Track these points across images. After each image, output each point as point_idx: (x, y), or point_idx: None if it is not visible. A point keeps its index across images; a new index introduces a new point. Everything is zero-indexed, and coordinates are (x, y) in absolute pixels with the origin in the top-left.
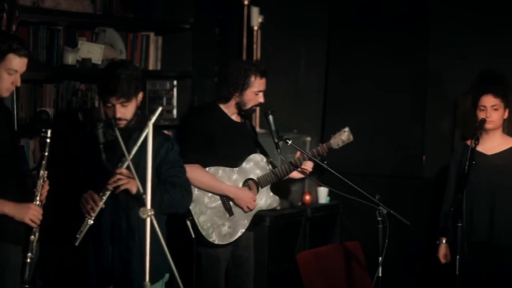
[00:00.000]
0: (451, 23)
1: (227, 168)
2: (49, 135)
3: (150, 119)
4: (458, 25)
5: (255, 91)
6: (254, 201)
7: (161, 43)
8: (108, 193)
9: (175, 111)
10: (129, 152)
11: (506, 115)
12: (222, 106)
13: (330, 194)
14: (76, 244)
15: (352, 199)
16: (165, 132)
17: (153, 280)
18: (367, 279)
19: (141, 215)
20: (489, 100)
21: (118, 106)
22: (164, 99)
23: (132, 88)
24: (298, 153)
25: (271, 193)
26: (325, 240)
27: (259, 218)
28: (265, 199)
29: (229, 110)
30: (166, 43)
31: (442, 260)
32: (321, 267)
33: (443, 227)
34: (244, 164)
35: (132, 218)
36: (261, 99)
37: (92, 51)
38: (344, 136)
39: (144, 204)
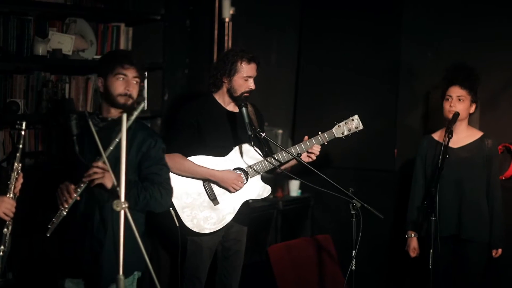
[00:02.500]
0: (424, 14)
1: (214, 157)
2: (23, 127)
3: (133, 114)
4: (430, 17)
5: (243, 77)
6: (241, 181)
7: (132, 34)
8: (83, 185)
9: (145, 103)
10: (109, 146)
11: (472, 109)
12: (216, 96)
13: (301, 187)
14: (48, 235)
15: (324, 192)
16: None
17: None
18: (338, 272)
19: (115, 207)
20: (455, 91)
21: (130, 80)
22: None
23: (144, 71)
24: (306, 137)
25: (262, 183)
26: (296, 233)
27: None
28: (255, 189)
29: (223, 99)
30: (137, 34)
31: (412, 254)
32: (292, 260)
33: (412, 220)
34: (232, 153)
35: (105, 212)
36: (251, 85)
37: (63, 42)
38: (351, 124)
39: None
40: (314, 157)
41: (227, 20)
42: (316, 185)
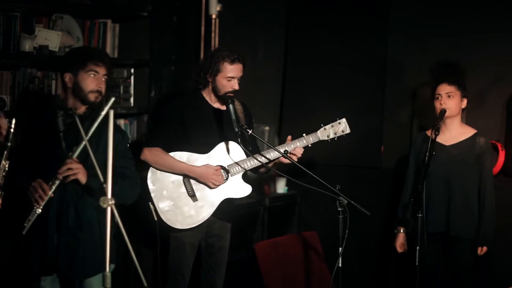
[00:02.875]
0: (411, 12)
1: (195, 154)
2: (13, 125)
3: (103, 109)
4: (417, 15)
5: (226, 77)
6: (220, 177)
7: (118, 30)
8: (57, 182)
9: (132, 100)
10: (80, 142)
11: (464, 104)
12: (203, 93)
13: (288, 184)
14: (24, 233)
15: (310, 189)
16: (123, 121)
17: (98, 270)
18: (324, 269)
19: (101, 204)
20: (443, 88)
21: (101, 77)
22: (121, 87)
23: (112, 69)
24: (289, 137)
25: (243, 182)
26: (283, 230)
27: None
28: (235, 187)
29: (210, 97)
30: (124, 30)
31: (399, 250)
32: (279, 257)
33: (402, 217)
34: (214, 151)
35: (80, 207)
36: (235, 85)
37: (49, 38)
38: (338, 127)
39: (92, 194)
40: (295, 159)
41: (214, 17)
42: (303, 182)
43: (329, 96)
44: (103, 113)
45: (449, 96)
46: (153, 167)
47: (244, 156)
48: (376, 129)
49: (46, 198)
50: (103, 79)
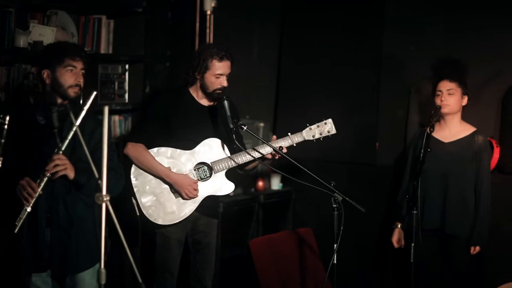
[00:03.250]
0: (405, 8)
1: (178, 150)
2: (6, 121)
3: (85, 104)
4: (412, 11)
5: (214, 74)
6: (195, 189)
7: (113, 26)
8: (45, 179)
9: (126, 96)
10: (65, 137)
11: (464, 102)
12: (190, 90)
13: (282, 180)
14: (15, 232)
15: (305, 186)
16: (118, 117)
17: (89, 264)
18: (319, 266)
19: (96, 201)
20: (444, 85)
21: (79, 72)
22: (116, 83)
23: (89, 63)
24: (274, 137)
25: (226, 179)
26: (278, 226)
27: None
28: (218, 185)
29: (197, 94)
30: (118, 26)
31: (395, 245)
32: (273, 254)
33: (399, 213)
34: (198, 147)
35: (69, 203)
36: (224, 82)
37: (44, 34)
38: (324, 128)
39: (79, 189)
40: (276, 157)
41: (208, 13)
42: (298, 179)
43: (324, 93)
44: (86, 107)
45: (449, 93)
46: (133, 163)
47: (228, 154)
48: (371, 126)
49: (35, 196)
50: (81, 73)
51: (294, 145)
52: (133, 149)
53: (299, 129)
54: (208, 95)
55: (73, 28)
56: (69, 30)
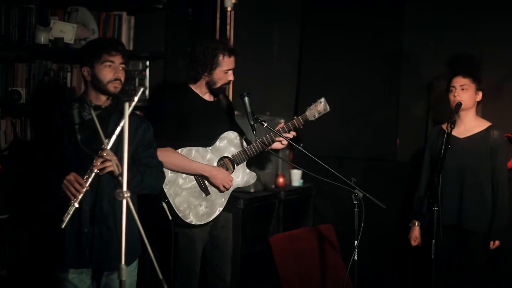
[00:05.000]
0: (425, 5)
1: (200, 148)
2: None
3: (133, 100)
4: (432, 8)
5: (224, 70)
6: (231, 180)
7: (134, 23)
8: (93, 175)
9: (147, 92)
10: (111, 134)
11: (479, 97)
12: (192, 87)
13: (303, 176)
14: (62, 227)
15: (326, 182)
16: (139, 113)
17: (129, 261)
18: (340, 262)
19: (117, 197)
20: (458, 81)
21: (118, 66)
22: (137, 80)
23: (128, 56)
24: (282, 124)
25: (248, 170)
26: (298, 223)
27: (233, 200)
28: (242, 176)
29: (201, 90)
30: (139, 23)
31: (413, 243)
32: (294, 250)
33: (417, 210)
34: (217, 143)
35: (113, 199)
36: (230, 77)
37: (65, 31)
38: (320, 107)
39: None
40: (285, 143)
41: (229, 9)
42: (318, 175)
43: (344, 90)
44: (133, 103)
45: (463, 89)
46: (166, 167)
47: (245, 145)
48: (392, 122)
49: (83, 192)
50: (120, 67)
51: (301, 126)
52: (163, 155)
53: (319, 126)
54: (212, 90)
55: (94, 25)
56: (89, 26)
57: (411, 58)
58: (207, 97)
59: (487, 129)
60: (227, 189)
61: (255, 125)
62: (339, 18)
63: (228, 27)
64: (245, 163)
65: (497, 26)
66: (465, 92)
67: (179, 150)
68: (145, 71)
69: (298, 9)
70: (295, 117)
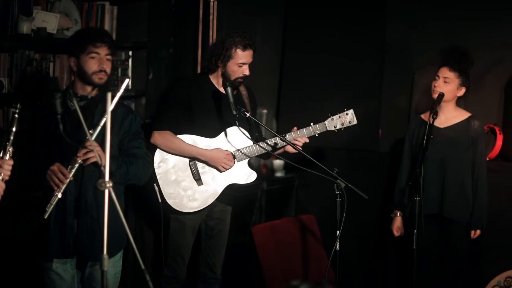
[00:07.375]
0: None
1: (202, 138)
2: (17, 110)
3: (118, 91)
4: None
5: (238, 63)
6: (230, 160)
7: (117, 13)
8: (76, 165)
9: (130, 82)
10: (97, 124)
11: (461, 93)
12: (210, 77)
13: (285, 167)
14: (45, 217)
15: (308, 172)
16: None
17: (113, 252)
18: (322, 252)
19: (99, 187)
20: (443, 72)
21: (103, 58)
22: (119, 70)
23: (115, 47)
24: (295, 128)
25: (249, 168)
26: (281, 213)
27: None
28: (241, 173)
29: (217, 81)
30: (122, 13)
31: (395, 233)
32: (276, 240)
33: (399, 201)
34: (221, 135)
35: (97, 189)
36: (246, 71)
37: (47, 20)
38: (345, 118)
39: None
40: (298, 146)
41: (212, 0)
42: (301, 165)
43: (327, 80)
44: (119, 94)
45: (445, 81)
46: (162, 150)
47: (250, 142)
48: (374, 113)
49: (66, 182)
50: (106, 59)
51: (316, 135)
52: (160, 137)
53: (302, 115)
54: (230, 83)
55: (77, 15)
56: (72, 16)
57: (393, 49)
58: (223, 89)
59: (468, 119)
60: (226, 169)
61: (237, 115)
62: (322, 8)
63: (211, 17)
64: (247, 160)
65: (480, 15)
66: (446, 85)
67: (182, 136)
68: (128, 61)
69: (281, 0)
70: (311, 124)
